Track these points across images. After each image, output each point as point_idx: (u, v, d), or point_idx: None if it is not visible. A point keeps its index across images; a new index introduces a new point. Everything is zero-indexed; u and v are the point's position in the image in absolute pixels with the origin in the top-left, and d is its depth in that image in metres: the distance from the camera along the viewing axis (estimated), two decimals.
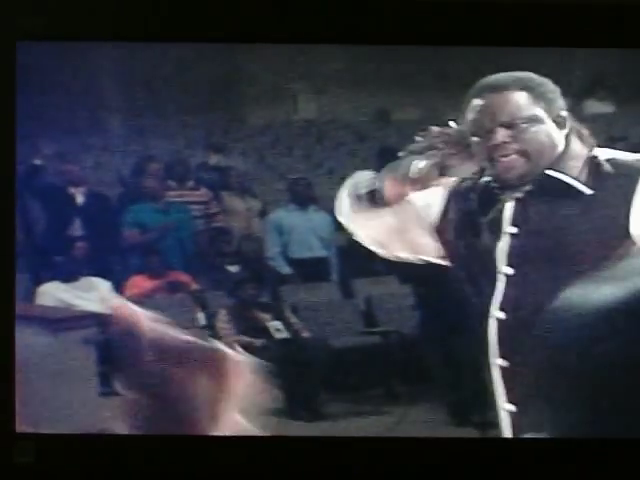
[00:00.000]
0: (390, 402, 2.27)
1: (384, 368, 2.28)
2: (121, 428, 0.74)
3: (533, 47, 1.85)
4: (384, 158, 1.93)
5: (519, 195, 1.48)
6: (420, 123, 1.97)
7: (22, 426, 2.04)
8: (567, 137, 1.50)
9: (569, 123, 1.46)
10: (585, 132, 1.51)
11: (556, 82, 1.71)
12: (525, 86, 1.55)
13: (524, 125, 1.47)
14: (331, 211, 1.94)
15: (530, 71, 1.62)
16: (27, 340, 2.57)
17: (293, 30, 2.00)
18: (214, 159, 2.05)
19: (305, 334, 2.06)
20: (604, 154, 1.48)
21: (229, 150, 2.08)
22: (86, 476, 2.08)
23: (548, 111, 1.53)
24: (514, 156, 1.45)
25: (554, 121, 1.51)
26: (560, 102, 1.52)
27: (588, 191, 1.44)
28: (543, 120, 1.50)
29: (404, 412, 2.35)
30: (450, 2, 1.99)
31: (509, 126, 1.45)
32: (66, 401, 2.48)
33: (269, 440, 1.94)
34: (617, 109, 1.84)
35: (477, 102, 1.54)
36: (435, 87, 1.91)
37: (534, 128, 1.47)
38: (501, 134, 1.44)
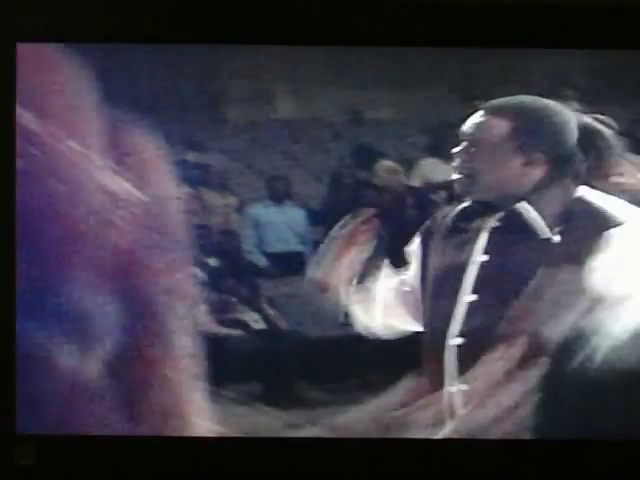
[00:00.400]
0: (365, 392, 2.35)
1: (360, 360, 2.36)
2: None
3: (507, 48, 1.90)
4: (359, 157, 2.00)
5: (493, 224, 1.54)
6: (396, 123, 2.04)
7: (23, 427, 2.14)
8: (545, 176, 1.54)
9: (549, 163, 1.50)
10: (571, 173, 1.54)
11: (522, 83, 1.77)
12: (519, 115, 1.61)
13: (482, 148, 1.54)
14: (306, 207, 2.02)
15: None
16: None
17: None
18: (193, 156, 2.11)
19: (282, 325, 2.13)
20: (585, 197, 1.50)
21: (208, 148, 2.14)
22: (88, 478, 2.16)
23: (526, 148, 1.58)
24: (461, 173, 1.53)
25: (527, 159, 1.56)
26: (552, 145, 1.55)
27: (547, 234, 1.49)
28: (508, 152, 1.56)
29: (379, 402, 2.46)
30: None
31: (471, 144, 1.53)
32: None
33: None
34: (583, 109, 1.90)
35: (473, 117, 1.63)
36: (412, 87, 1.96)
37: (490, 155, 1.54)
38: (462, 149, 1.53)
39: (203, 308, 2.11)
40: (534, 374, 1.80)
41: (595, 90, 1.86)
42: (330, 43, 2.09)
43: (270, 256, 2.11)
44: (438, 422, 1.79)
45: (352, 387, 2.16)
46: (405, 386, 2.14)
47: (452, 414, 1.60)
